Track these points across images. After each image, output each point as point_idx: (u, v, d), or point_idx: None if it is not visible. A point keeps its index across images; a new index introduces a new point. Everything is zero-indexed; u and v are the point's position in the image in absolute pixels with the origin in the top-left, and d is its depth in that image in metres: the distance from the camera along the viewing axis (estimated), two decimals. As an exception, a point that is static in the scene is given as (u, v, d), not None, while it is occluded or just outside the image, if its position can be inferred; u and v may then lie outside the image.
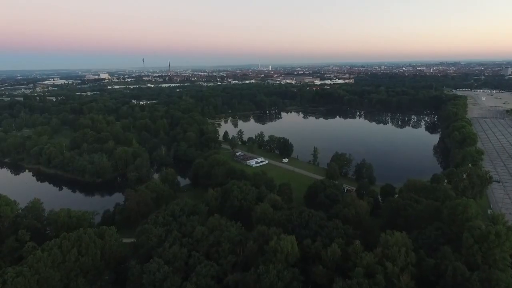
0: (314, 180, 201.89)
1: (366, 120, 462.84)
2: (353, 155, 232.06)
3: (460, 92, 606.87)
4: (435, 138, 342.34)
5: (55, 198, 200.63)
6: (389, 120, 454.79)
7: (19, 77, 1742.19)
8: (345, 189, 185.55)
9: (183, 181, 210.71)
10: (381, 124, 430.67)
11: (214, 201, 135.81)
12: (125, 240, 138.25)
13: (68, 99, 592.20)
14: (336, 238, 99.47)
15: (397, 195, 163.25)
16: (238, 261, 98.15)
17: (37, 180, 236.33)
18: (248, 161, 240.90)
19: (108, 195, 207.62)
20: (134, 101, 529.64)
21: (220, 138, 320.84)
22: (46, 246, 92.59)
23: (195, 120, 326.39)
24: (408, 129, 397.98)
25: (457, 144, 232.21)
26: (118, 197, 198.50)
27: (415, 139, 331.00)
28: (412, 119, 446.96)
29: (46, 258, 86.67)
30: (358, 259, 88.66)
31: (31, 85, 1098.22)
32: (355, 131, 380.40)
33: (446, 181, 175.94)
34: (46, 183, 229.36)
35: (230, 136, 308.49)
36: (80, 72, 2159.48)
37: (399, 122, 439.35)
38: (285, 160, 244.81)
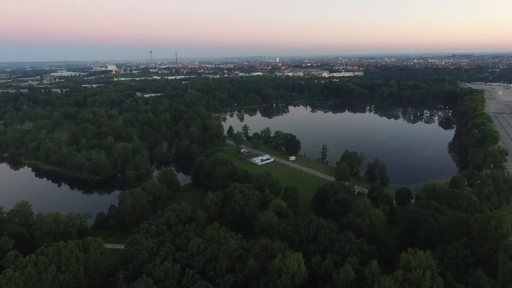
0: (322, 181, 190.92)
1: (377, 115, 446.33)
2: (364, 153, 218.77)
3: (474, 85, 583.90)
4: (449, 134, 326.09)
5: (50, 197, 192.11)
6: (401, 115, 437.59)
7: (28, 69, 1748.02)
8: (356, 191, 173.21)
9: (185, 179, 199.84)
10: (392, 119, 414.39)
11: (214, 206, 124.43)
12: (118, 247, 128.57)
13: (73, 91, 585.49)
14: (350, 256, 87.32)
15: (413, 200, 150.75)
16: (237, 281, 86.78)
17: (35, 176, 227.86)
18: (253, 159, 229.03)
19: (106, 194, 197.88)
20: (139, 94, 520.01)
21: (225, 133, 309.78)
22: (20, 263, 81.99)
23: (199, 115, 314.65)
24: (421, 124, 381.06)
25: (477, 142, 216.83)
26: (116, 196, 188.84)
27: (429, 136, 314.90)
28: (425, 114, 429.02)
29: (18, 278, 76.17)
30: (376, 284, 76.47)
31: (38, 77, 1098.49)
32: (365, 127, 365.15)
33: (466, 183, 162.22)
34: (43, 180, 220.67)
35: (235, 131, 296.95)
36: (88, 64, 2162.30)
37: (411, 117, 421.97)
38: (292, 158, 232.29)
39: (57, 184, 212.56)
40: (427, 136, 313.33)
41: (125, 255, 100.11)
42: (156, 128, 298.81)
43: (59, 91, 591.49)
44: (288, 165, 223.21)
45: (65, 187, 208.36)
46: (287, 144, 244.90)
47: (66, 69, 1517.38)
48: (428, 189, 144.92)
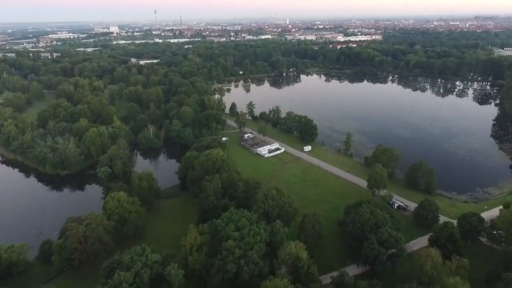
0: (348, 186, 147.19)
1: (400, 86, 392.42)
2: (398, 145, 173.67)
3: (510, 52, 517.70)
4: (489, 111, 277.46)
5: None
6: (429, 87, 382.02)
7: (30, 30, 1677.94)
8: (395, 204, 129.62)
9: (174, 177, 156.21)
10: (419, 92, 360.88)
11: (196, 254, 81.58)
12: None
13: (64, 56, 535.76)
14: None
15: (487, 226, 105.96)
16: None
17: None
18: (259, 149, 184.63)
19: (74, 196, 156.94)
20: (134, 61, 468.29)
21: (227, 110, 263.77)
22: None
23: (196, 88, 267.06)
24: (453, 99, 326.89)
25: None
26: (88, 201, 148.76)
27: (469, 115, 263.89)
28: (457, 87, 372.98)
29: None
30: None
31: (34, 39, 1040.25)
32: (389, 102, 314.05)
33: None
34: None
35: (239, 110, 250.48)
36: (92, 25, 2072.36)
37: (441, 90, 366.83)
38: (307, 148, 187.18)
39: (14, 180, 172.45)
40: (466, 116, 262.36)
41: None
42: (145, 104, 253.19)
43: (49, 56, 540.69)
44: (302, 158, 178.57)
45: (22, 185, 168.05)
46: (301, 129, 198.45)
47: (67, 31, 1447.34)
48: (508, 216, 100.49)
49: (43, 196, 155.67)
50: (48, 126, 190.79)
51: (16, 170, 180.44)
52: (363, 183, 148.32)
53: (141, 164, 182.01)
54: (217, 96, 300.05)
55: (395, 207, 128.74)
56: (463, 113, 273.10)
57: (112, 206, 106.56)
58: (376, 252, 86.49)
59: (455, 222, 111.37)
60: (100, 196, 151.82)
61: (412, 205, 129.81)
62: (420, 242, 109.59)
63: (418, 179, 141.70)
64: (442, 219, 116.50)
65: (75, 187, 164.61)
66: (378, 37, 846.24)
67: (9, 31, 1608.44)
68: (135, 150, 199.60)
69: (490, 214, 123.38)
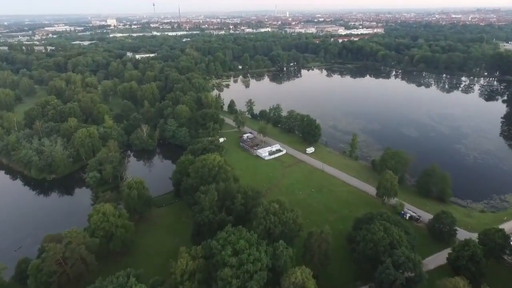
0: (355, 192, 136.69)
1: (404, 82, 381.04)
2: (406, 147, 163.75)
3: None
4: (496, 109, 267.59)
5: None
6: (433, 82, 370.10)
7: (27, 22, 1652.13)
8: (407, 215, 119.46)
9: (167, 182, 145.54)
10: (423, 88, 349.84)
11: (188, 285, 70.60)
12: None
13: (58, 50, 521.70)
14: None
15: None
16: None
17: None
18: (259, 151, 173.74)
19: (61, 205, 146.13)
20: (130, 55, 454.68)
21: (225, 107, 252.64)
22: None
23: (193, 84, 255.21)
24: (459, 95, 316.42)
25: None
26: (76, 207, 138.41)
27: (478, 114, 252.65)
28: (463, 82, 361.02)
29: None
30: None
31: (30, 32, 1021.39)
32: (394, 99, 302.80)
33: None
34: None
35: (238, 107, 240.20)
36: (89, 18, 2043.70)
37: (446, 86, 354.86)
38: (310, 149, 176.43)
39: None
40: (475, 114, 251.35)
41: None
42: (140, 102, 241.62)
43: (43, 50, 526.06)
44: (304, 160, 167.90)
45: (6, 190, 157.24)
46: (303, 130, 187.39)
47: (64, 24, 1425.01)
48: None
49: (27, 203, 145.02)
50: (35, 126, 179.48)
51: (1, 173, 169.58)
52: (370, 189, 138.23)
53: (134, 168, 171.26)
54: (215, 92, 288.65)
55: (407, 218, 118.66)
56: (471, 110, 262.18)
57: (96, 220, 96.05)
58: (392, 277, 76.33)
59: (474, 236, 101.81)
60: (89, 202, 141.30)
61: (425, 215, 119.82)
62: (436, 260, 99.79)
63: (431, 186, 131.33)
64: (460, 233, 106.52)
65: (62, 192, 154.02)
66: (380, 30, 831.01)
67: (5, 23, 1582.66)
68: (128, 152, 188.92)
69: (511, 226, 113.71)
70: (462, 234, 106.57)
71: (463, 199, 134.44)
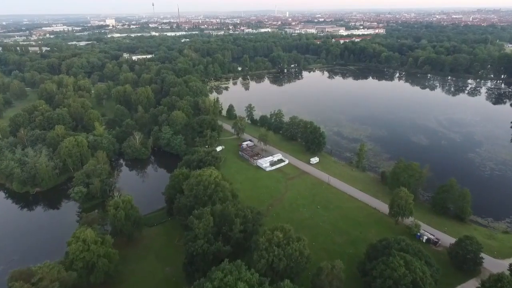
0: (363, 208, 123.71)
1: (408, 84, 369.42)
2: (417, 156, 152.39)
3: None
4: (506, 112, 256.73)
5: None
6: (438, 85, 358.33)
7: (25, 22, 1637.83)
8: (424, 237, 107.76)
9: (159, 197, 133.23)
10: (428, 90, 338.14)
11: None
12: None
13: (54, 50, 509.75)
14: None
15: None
16: None
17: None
18: (259, 161, 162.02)
19: (44, 221, 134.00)
20: (126, 56, 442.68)
21: (224, 112, 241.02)
22: None
23: (191, 88, 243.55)
24: (465, 98, 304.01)
25: None
26: (61, 223, 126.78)
27: (489, 119, 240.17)
28: (469, 85, 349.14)
29: None
30: None
31: (27, 32, 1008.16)
32: (400, 102, 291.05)
33: None
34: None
35: (238, 111, 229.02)
36: (88, 17, 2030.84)
37: (452, 89, 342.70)
38: (314, 160, 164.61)
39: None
40: (485, 118, 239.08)
41: None
42: (134, 106, 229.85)
43: (38, 50, 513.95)
44: (308, 172, 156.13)
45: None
46: (307, 138, 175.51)
47: (62, 24, 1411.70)
48: None
49: (6, 220, 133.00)
50: (20, 134, 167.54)
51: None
52: (380, 205, 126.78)
53: (125, 179, 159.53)
54: (213, 94, 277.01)
55: (424, 240, 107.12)
56: (480, 114, 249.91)
57: (75, 249, 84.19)
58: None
59: (502, 263, 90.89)
60: (75, 218, 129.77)
61: (444, 237, 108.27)
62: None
63: (448, 204, 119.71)
64: (487, 260, 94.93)
65: (47, 207, 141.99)
66: (381, 31, 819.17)
67: (4, 23, 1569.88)
68: (120, 161, 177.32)
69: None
70: (488, 262, 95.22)
71: (483, 217, 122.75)
